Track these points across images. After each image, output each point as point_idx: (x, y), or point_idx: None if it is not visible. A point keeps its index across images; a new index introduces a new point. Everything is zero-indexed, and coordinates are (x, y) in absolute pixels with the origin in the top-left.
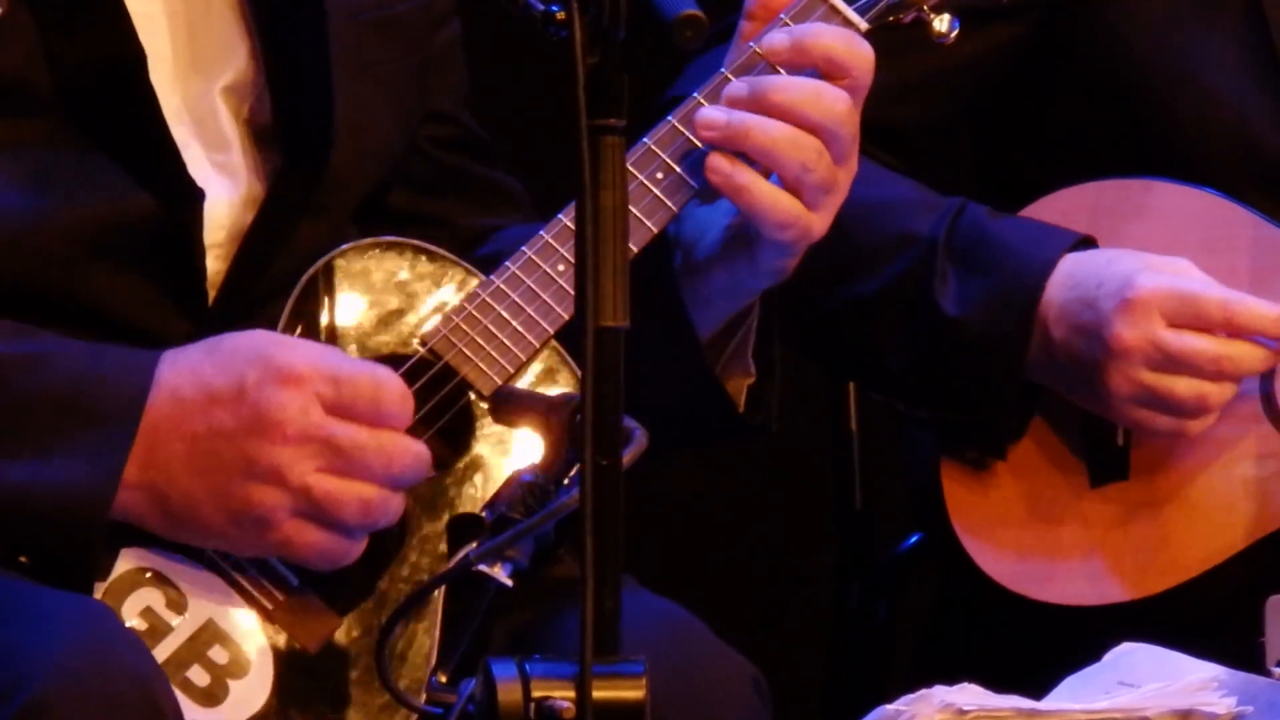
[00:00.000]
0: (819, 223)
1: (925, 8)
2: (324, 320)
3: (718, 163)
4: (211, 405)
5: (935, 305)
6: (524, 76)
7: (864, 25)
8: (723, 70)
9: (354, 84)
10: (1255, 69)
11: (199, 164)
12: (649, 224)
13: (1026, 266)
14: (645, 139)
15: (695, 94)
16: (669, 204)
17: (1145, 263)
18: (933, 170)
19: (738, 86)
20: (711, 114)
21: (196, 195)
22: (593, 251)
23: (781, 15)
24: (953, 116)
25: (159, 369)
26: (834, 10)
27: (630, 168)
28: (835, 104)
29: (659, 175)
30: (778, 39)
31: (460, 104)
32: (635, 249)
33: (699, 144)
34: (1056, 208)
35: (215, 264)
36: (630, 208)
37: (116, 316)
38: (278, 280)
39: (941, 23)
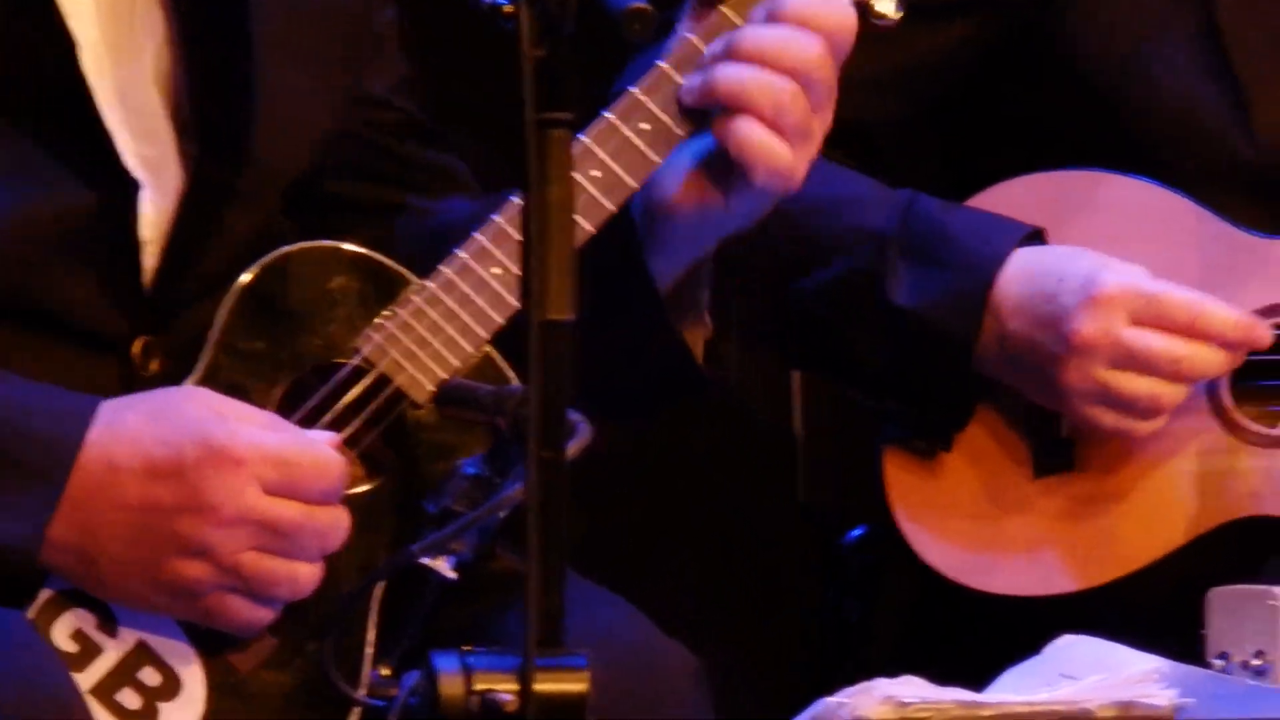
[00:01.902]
0: (800, 171)
1: None
2: (257, 329)
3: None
4: (149, 479)
5: (888, 297)
6: (473, 69)
7: None
8: (659, 62)
9: (279, 69)
10: (1204, 59)
11: (130, 155)
12: (586, 223)
13: (978, 258)
14: (582, 135)
15: (632, 88)
16: (605, 203)
17: (1106, 261)
18: (895, 167)
19: (713, 47)
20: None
21: (131, 186)
22: (539, 244)
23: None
24: (913, 113)
25: (94, 427)
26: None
27: None
28: (807, 49)
29: (595, 173)
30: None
31: (396, 88)
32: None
33: (638, 142)
34: (1007, 198)
35: (150, 260)
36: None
37: (54, 312)
38: (212, 275)
39: (883, 3)
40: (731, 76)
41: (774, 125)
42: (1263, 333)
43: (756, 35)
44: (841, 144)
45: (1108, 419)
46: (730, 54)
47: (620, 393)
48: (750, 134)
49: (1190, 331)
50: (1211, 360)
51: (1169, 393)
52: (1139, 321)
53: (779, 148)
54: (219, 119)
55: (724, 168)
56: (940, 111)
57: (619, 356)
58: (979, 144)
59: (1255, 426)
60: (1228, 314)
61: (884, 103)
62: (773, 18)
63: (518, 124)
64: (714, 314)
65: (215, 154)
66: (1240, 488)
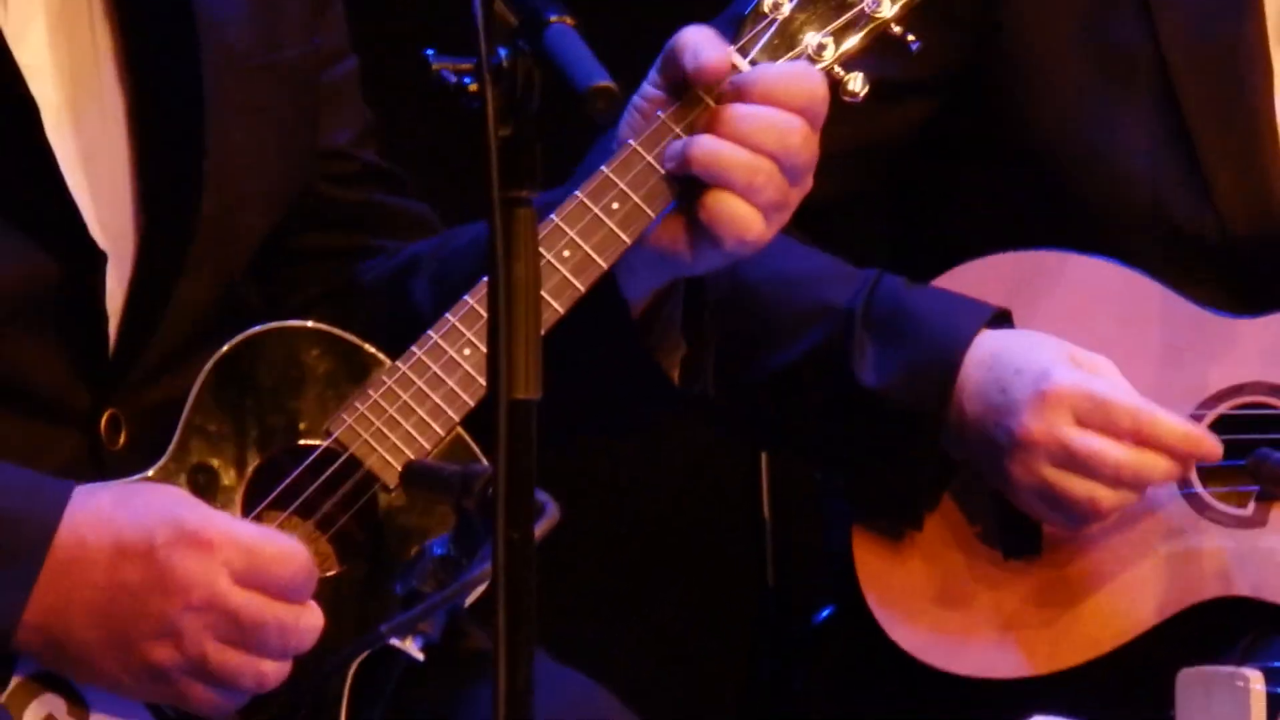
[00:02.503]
0: (769, 237)
1: (836, 67)
2: (227, 409)
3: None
4: (119, 559)
5: (853, 376)
6: (440, 147)
7: None
8: (630, 142)
9: (234, 131)
10: (1166, 139)
11: (96, 225)
12: (556, 304)
13: (944, 339)
14: (553, 215)
15: (603, 168)
16: (576, 284)
17: (1067, 354)
18: (844, 245)
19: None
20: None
21: (98, 257)
22: (505, 323)
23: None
24: (866, 191)
25: (68, 511)
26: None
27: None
28: (787, 133)
29: (565, 253)
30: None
31: (358, 140)
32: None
33: (609, 222)
34: (972, 278)
35: (115, 332)
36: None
37: (20, 384)
38: (172, 344)
39: (854, 81)
40: (709, 153)
41: (748, 200)
42: (1211, 446)
43: (734, 115)
44: (795, 221)
45: (1049, 515)
46: (709, 129)
47: (594, 408)
48: (722, 208)
49: (1137, 439)
50: (1155, 470)
51: (1109, 497)
52: (1084, 423)
53: (752, 220)
54: (170, 186)
55: (693, 223)
56: (895, 191)
57: (592, 372)
58: (938, 225)
59: (1224, 506)
60: (1175, 425)
61: (838, 181)
62: (747, 92)
63: (472, 203)
64: (689, 329)
65: (166, 222)
66: (1210, 568)
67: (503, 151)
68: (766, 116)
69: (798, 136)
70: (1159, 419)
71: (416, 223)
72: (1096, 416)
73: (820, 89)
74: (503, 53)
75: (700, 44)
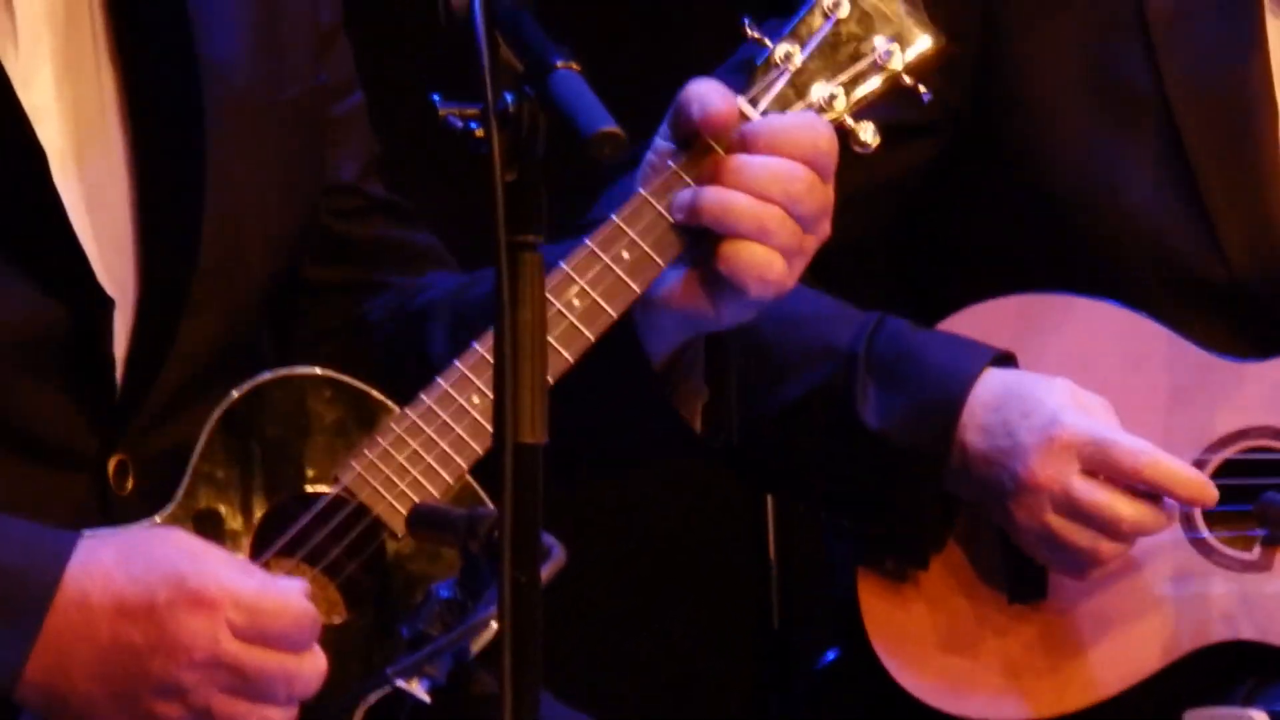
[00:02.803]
0: (792, 281)
1: (847, 117)
2: (235, 456)
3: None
4: (120, 618)
5: (856, 417)
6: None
7: None
8: (640, 190)
9: (236, 173)
10: (1171, 181)
11: (102, 270)
12: (565, 353)
13: (948, 380)
14: (562, 264)
15: (614, 216)
16: (586, 332)
17: (1072, 398)
18: (850, 289)
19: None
20: (680, 196)
21: (106, 303)
22: (511, 367)
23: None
24: (871, 235)
25: (70, 567)
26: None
27: (547, 293)
28: (793, 182)
29: (575, 302)
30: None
31: (363, 173)
32: (551, 379)
33: (618, 271)
34: (977, 321)
35: (121, 377)
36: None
37: (28, 430)
38: (178, 387)
39: (865, 131)
40: (716, 202)
41: (763, 242)
42: (1211, 493)
43: (740, 165)
44: None
45: (1050, 560)
46: (715, 179)
47: (612, 452)
48: (739, 254)
49: (1136, 481)
50: (1151, 521)
51: (1109, 548)
52: (1091, 471)
53: (772, 259)
54: (171, 229)
55: (713, 277)
56: (902, 234)
57: (612, 419)
58: (943, 268)
59: (1229, 551)
60: (1178, 471)
61: (844, 224)
62: (753, 142)
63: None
64: (711, 377)
65: (168, 265)
66: (1215, 612)
67: (508, 196)
68: (771, 165)
69: (802, 184)
70: (1164, 465)
71: (424, 255)
72: (1101, 463)
73: (825, 138)
74: (509, 98)
75: (706, 94)
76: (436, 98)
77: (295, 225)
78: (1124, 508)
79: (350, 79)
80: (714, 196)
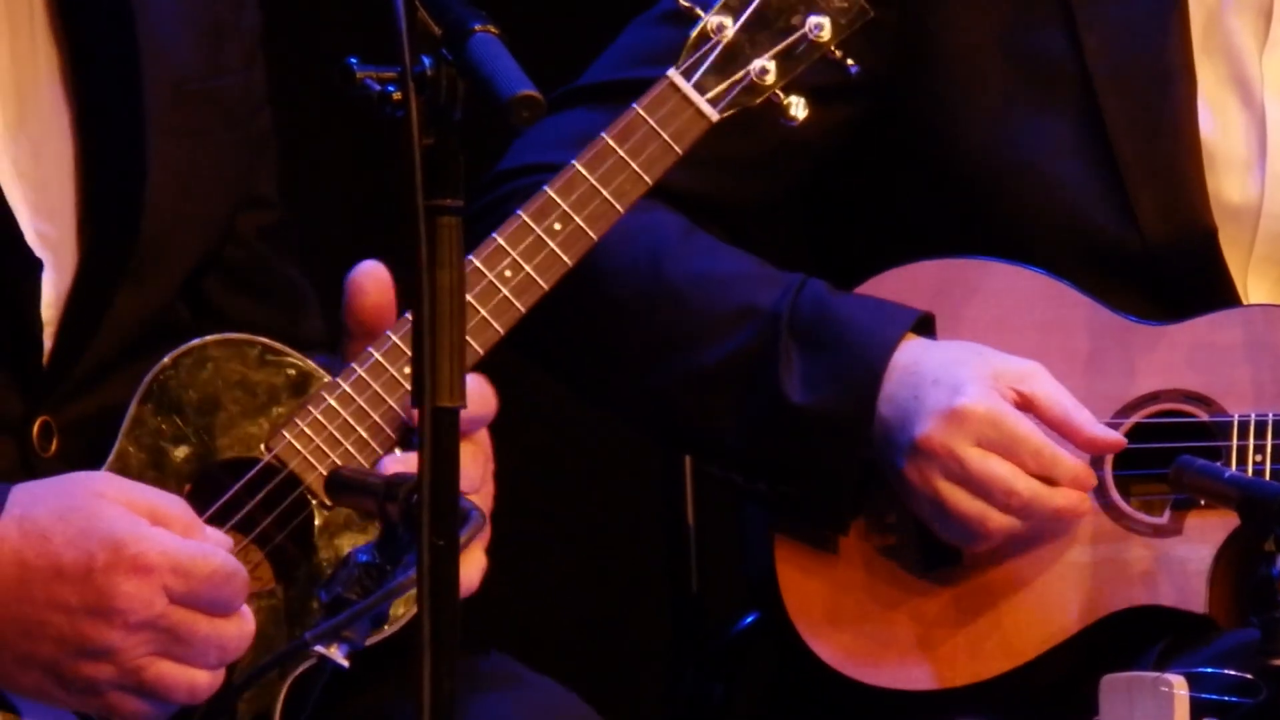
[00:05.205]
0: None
1: (777, 91)
2: (166, 420)
3: None
4: (57, 579)
5: (778, 386)
6: (362, 158)
7: (715, 116)
8: (574, 163)
9: (174, 151)
10: (1088, 152)
11: (32, 233)
12: (496, 325)
13: (869, 345)
14: (495, 235)
15: (546, 188)
16: (517, 305)
17: (990, 373)
18: (769, 249)
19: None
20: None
21: (34, 265)
22: (429, 331)
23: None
24: (788, 194)
25: (5, 519)
26: (686, 102)
27: (479, 265)
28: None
29: (507, 274)
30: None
31: (275, 190)
32: (482, 351)
33: (549, 242)
34: (895, 285)
35: (49, 340)
36: (479, 306)
37: None
38: (106, 356)
39: (796, 107)
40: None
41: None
42: (1115, 440)
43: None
44: (720, 223)
45: (938, 527)
46: None
47: None
48: None
49: (1038, 473)
50: (1048, 505)
51: (998, 521)
52: (987, 448)
53: None
54: (112, 201)
55: None
56: (820, 196)
57: None
58: (861, 231)
59: (1141, 515)
60: (1073, 465)
61: (762, 183)
62: None
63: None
64: None
65: (107, 235)
66: (1130, 576)
67: (426, 160)
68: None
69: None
70: (1060, 459)
71: (300, 303)
72: (1000, 444)
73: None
74: (426, 62)
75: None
76: (353, 61)
77: (223, 213)
78: (1019, 482)
79: (264, 95)
80: None
